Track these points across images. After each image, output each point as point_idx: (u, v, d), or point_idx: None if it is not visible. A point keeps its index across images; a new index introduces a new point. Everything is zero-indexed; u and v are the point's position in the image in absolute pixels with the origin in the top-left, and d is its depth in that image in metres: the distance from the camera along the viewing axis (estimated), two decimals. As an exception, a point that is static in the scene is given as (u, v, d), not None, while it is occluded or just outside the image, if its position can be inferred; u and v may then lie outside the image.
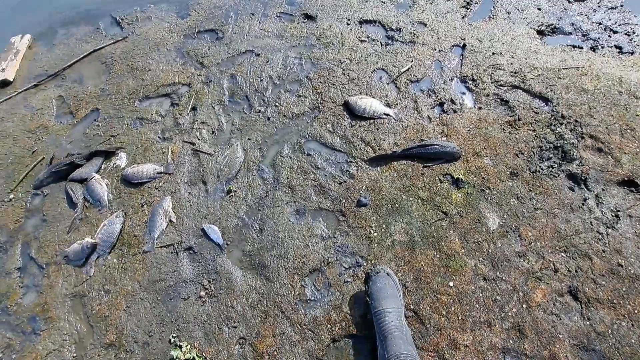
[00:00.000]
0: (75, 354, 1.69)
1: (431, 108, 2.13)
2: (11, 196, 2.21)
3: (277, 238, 1.81)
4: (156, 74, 2.58)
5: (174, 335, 1.64)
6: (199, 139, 2.21)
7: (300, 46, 2.55)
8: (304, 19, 2.74)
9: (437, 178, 1.87)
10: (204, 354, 1.58)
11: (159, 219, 1.91)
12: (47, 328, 1.76)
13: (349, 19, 2.67)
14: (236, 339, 1.60)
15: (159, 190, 2.05)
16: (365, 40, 2.52)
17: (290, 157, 2.04)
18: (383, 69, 2.35)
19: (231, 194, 1.97)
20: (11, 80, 2.77)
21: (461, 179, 1.85)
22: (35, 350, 1.72)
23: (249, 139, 2.16)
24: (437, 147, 1.89)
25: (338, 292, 1.64)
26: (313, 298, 1.64)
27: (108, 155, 2.23)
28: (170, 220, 1.92)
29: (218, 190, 2.00)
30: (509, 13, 2.56)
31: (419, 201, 1.82)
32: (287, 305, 1.64)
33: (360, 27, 2.61)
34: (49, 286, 1.87)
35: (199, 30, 2.81)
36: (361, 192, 1.88)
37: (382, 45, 2.48)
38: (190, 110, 2.34)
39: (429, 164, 1.90)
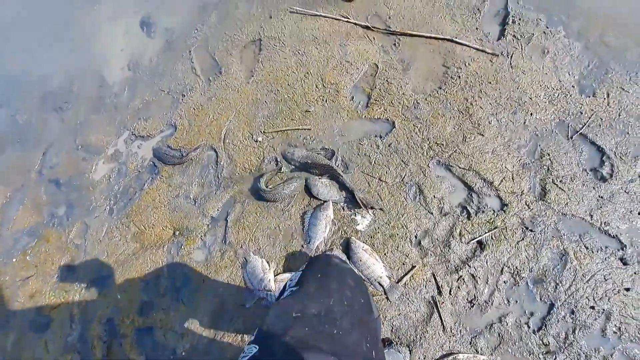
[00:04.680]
0: (184, 354, 1.61)
1: None
2: (260, 138, 1.98)
3: None
4: (486, 143, 1.81)
5: None
6: (450, 288, 1.56)
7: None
8: None
9: None
10: None
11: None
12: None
13: None
14: None
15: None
16: None
17: None
18: None
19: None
20: (352, -1, 2.28)
21: None
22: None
23: (498, 366, 1.44)
24: None
25: None
26: None
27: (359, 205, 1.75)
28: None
29: (411, 381, 1.46)
30: None
31: None
32: None
33: None
34: (215, 266, 1.74)
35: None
36: None
37: None
38: (474, 241, 1.63)
39: None
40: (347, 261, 1.12)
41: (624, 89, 1.84)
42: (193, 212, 1.88)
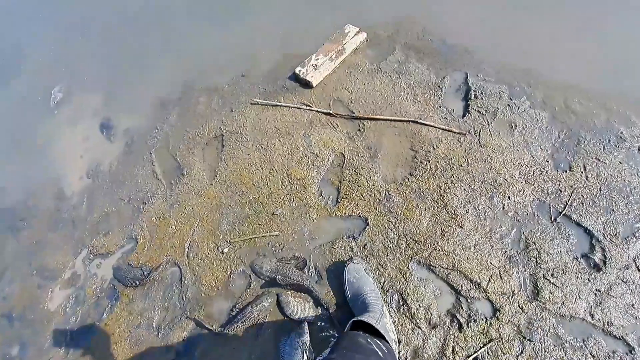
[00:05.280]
0: None
1: None
2: (226, 249, 1.84)
3: None
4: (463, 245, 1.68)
5: None
6: None
7: None
8: None
9: None
10: None
11: None
12: None
13: None
14: None
15: None
16: None
17: None
18: None
19: None
20: (313, 85, 2.24)
21: None
22: None
23: None
24: None
25: None
26: None
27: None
28: None
29: None
30: None
31: None
32: None
33: None
34: None
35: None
36: None
37: None
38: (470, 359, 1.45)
39: None
40: (372, 339, 1.10)
41: (600, 160, 1.77)
42: (156, 345, 1.69)
